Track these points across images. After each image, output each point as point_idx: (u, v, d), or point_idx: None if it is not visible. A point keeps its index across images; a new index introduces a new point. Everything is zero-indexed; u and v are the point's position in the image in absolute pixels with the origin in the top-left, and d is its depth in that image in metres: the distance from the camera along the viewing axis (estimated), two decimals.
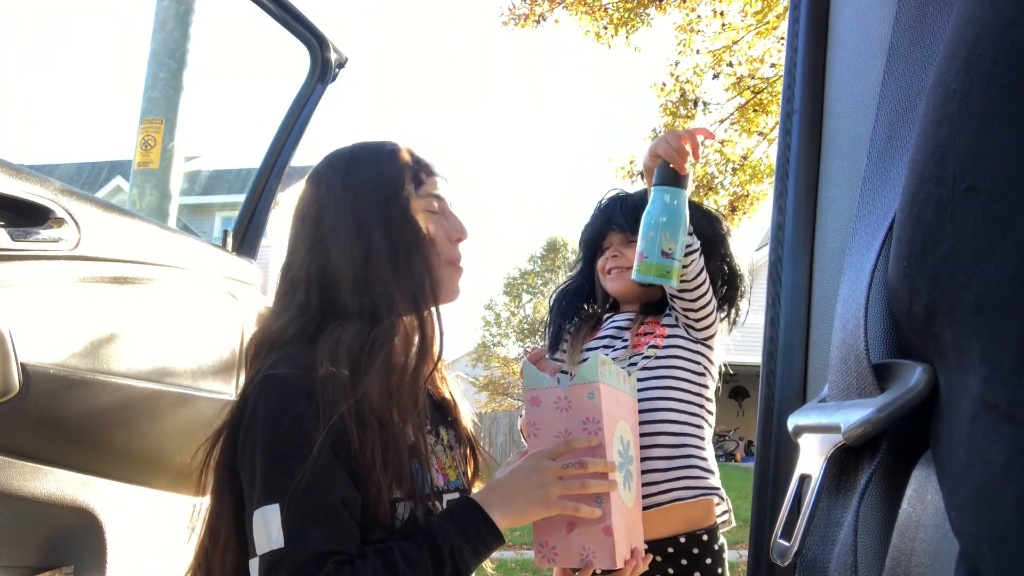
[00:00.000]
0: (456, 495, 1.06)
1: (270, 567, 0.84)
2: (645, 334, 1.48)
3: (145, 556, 1.44)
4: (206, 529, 1.01)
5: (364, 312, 1.00)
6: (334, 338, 0.97)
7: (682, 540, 1.38)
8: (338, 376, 0.93)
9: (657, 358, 1.44)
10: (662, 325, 1.49)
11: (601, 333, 1.55)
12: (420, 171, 1.07)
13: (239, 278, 1.76)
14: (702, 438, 1.44)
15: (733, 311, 1.55)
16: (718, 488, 1.41)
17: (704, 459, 1.42)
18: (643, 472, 1.33)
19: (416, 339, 1.02)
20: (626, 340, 1.50)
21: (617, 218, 1.55)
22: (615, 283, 1.54)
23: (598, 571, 1.09)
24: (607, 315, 1.59)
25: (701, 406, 1.45)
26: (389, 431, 0.94)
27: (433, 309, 1.05)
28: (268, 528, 0.85)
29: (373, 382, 0.94)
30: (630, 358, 1.46)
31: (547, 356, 1.58)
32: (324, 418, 0.90)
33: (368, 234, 1.01)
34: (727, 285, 1.54)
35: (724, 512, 1.45)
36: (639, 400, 1.38)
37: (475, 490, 1.20)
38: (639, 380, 1.41)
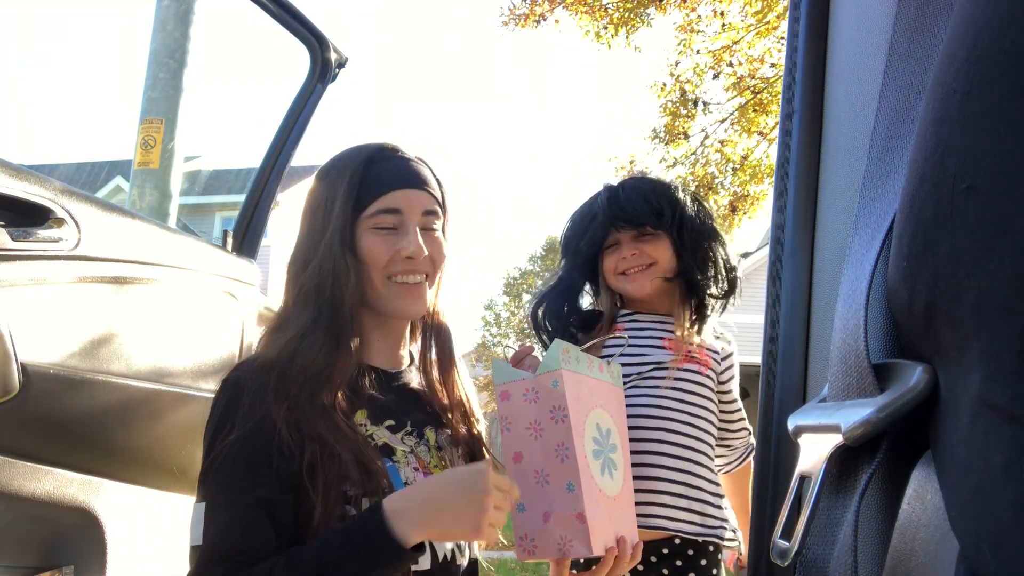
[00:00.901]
0: None
1: (189, 561, 0.92)
2: (690, 357, 1.46)
3: (145, 556, 1.44)
4: None
5: (301, 319, 1.03)
6: (271, 341, 1.04)
7: (677, 541, 1.38)
8: (270, 380, 0.96)
9: (697, 383, 1.45)
10: (711, 367, 1.48)
11: (617, 331, 1.50)
12: (366, 191, 1.06)
13: (239, 278, 1.76)
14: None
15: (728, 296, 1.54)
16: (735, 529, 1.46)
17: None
18: (666, 506, 1.37)
19: (323, 354, 1.01)
20: (653, 348, 1.47)
21: (631, 217, 1.44)
22: (637, 283, 1.44)
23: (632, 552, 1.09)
24: (623, 313, 1.53)
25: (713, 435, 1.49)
26: (330, 433, 0.95)
27: (344, 323, 1.05)
28: (194, 525, 0.92)
29: (298, 390, 0.97)
30: (675, 373, 1.44)
31: (533, 353, 1.54)
32: (253, 418, 0.93)
33: (302, 246, 1.08)
34: (720, 274, 1.52)
35: (732, 540, 1.45)
36: (681, 422, 1.40)
37: None
38: (680, 401, 1.42)
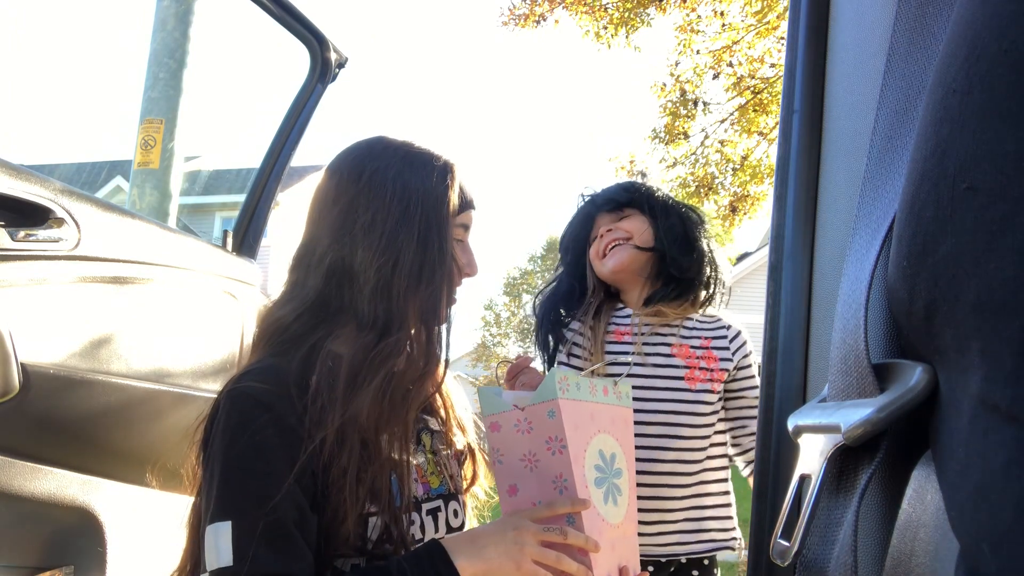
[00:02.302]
0: (438, 502, 1.03)
1: None
2: (700, 368, 1.47)
3: (145, 556, 1.44)
4: (189, 527, 1.01)
5: (376, 322, 0.97)
6: (333, 352, 0.96)
7: (683, 560, 1.42)
8: (327, 393, 0.91)
9: (706, 403, 1.45)
10: (722, 369, 1.48)
11: (625, 336, 1.51)
12: (463, 199, 1.06)
13: (239, 278, 1.76)
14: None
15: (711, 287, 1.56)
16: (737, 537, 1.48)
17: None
18: (687, 519, 1.40)
19: (421, 360, 1.00)
20: (662, 355, 1.48)
21: (605, 197, 1.57)
22: (617, 257, 1.51)
23: None
24: (617, 308, 1.56)
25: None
26: (370, 449, 0.92)
27: (443, 331, 1.05)
28: (218, 545, 0.84)
29: (366, 399, 0.92)
30: (694, 390, 1.45)
31: (531, 365, 1.53)
32: (307, 436, 0.88)
33: (402, 242, 0.97)
34: (703, 269, 1.54)
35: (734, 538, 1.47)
36: (692, 450, 1.42)
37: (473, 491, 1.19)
38: (690, 414, 1.43)
